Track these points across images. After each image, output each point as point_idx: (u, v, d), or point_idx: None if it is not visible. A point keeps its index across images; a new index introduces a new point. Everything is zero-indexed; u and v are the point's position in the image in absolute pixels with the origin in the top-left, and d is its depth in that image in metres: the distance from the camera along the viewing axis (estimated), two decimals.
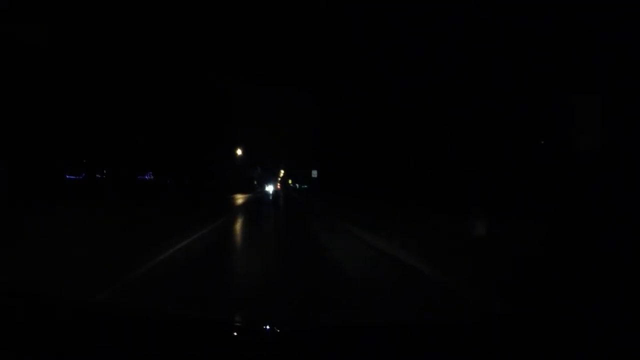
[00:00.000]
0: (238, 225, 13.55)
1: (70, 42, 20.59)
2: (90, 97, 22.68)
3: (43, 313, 1.97)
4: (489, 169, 14.07)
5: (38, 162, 22.32)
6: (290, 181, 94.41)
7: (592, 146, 7.04)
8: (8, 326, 1.74)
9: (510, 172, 12.98)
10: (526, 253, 6.49)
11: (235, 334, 1.88)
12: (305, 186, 75.71)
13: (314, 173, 44.94)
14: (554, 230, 8.26)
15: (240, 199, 34.26)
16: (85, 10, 20.41)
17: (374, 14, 19.14)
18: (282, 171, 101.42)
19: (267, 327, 1.89)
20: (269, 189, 76.45)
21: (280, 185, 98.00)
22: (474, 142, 14.96)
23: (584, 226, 8.39)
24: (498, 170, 13.60)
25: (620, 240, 6.41)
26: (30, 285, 4.51)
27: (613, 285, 4.53)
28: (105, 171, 34.22)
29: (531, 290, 4.58)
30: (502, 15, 11.95)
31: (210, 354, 1.58)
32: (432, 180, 18.33)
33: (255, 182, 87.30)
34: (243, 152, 57.83)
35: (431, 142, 18.04)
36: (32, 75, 18.89)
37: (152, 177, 44.34)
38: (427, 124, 17.83)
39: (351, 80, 26.58)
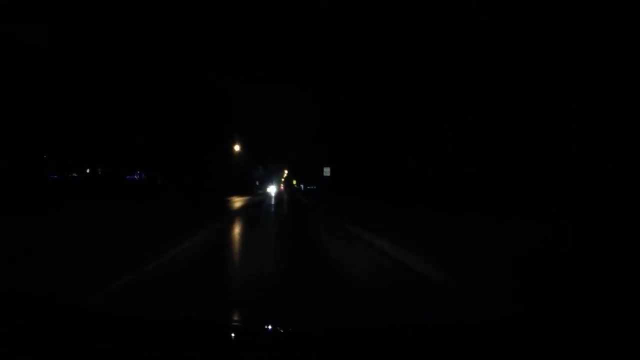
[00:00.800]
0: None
1: (69, 40, 20.48)
2: (84, 94, 22.15)
3: (43, 313, 1.97)
4: (490, 169, 14.07)
5: (25, 161, 22.00)
6: (294, 182, 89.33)
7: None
8: (8, 326, 1.74)
9: (510, 172, 12.98)
10: (526, 253, 6.48)
11: (235, 334, 1.88)
12: (311, 187, 69.84)
13: (327, 171, 33.29)
14: (554, 230, 8.26)
15: (238, 202, 28.66)
16: (83, 9, 20.34)
17: (374, 14, 19.16)
18: (286, 171, 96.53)
19: (269, 327, 1.89)
20: (271, 190, 70.41)
21: (283, 186, 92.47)
22: (474, 142, 14.96)
23: (584, 226, 8.39)
24: (498, 170, 13.61)
25: (620, 240, 6.41)
26: (31, 285, 4.51)
27: (613, 285, 4.53)
28: (88, 170, 32.45)
29: (531, 290, 4.58)
30: (502, 15, 11.96)
31: (210, 354, 1.58)
32: (433, 180, 18.33)
33: (257, 183, 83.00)
34: (244, 152, 55.03)
35: (431, 141, 18.04)
36: (22, 73, 18.57)
37: (143, 176, 41.22)
38: (427, 124, 17.85)
39: (351, 80, 26.59)
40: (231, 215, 17.41)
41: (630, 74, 8.96)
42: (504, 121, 13.14)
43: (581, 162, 10.36)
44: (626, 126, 9.24)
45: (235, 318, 2.45)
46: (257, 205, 26.04)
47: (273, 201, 32.67)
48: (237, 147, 50.08)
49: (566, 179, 10.81)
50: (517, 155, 12.81)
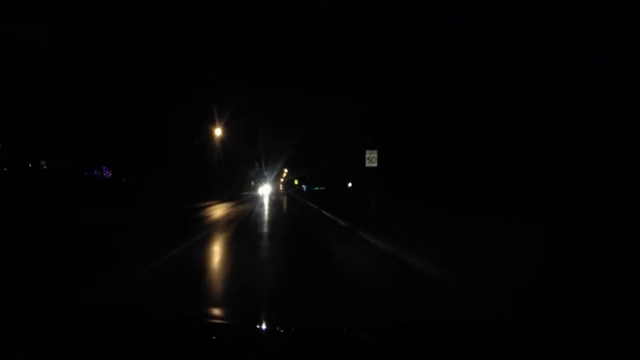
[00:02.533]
0: None
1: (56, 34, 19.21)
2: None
3: (42, 313, 1.97)
4: (490, 169, 14.07)
5: None
6: (296, 181, 79.34)
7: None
8: (7, 326, 1.74)
9: (510, 172, 12.98)
10: (526, 253, 6.48)
11: (235, 334, 1.88)
12: (318, 188, 61.02)
13: (372, 157, 14.65)
14: (554, 230, 8.26)
15: (218, 210, 20.18)
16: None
17: (374, 14, 19.15)
18: (286, 170, 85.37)
19: (267, 327, 1.89)
20: (264, 191, 56.57)
21: (282, 187, 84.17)
22: (474, 142, 14.96)
23: (583, 226, 8.38)
24: (499, 170, 13.60)
25: (620, 240, 6.41)
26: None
27: (613, 286, 4.52)
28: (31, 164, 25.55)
29: (531, 290, 4.57)
30: (502, 16, 11.96)
31: (210, 354, 1.57)
32: (431, 179, 18.30)
33: (253, 183, 73.85)
34: (236, 149, 44.56)
35: (428, 141, 18.04)
36: None
37: (108, 173, 33.78)
38: (427, 124, 17.84)
39: (351, 79, 26.57)
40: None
41: (630, 74, 8.95)
42: (503, 121, 13.15)
43: (581, 162, 10.36)
44: (626, 127, 9.24)
45: (236, 318, 2.45)
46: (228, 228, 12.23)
47: (266, 216, 17.61)
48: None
49: (566, 179, 10.81)
50: (517, 155, 12.82)
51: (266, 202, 31.84)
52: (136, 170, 31.57)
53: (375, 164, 14.07)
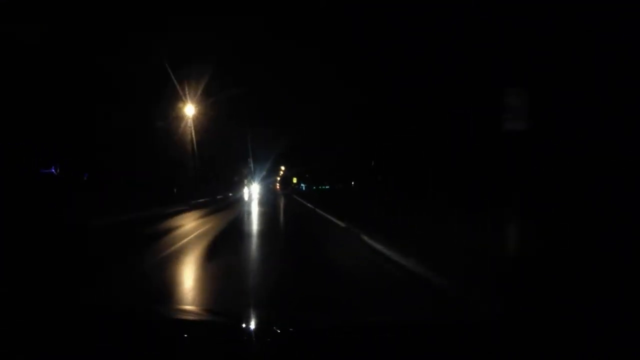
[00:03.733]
0: None
1: None
2: None
3: (42, 313, 1.97)
4: (489, 167, 14.05)
5: None
6: (294, 179, 73.65)
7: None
8: (7, 326, 1.74)
9: (510, 171, 12.96)
10: (526, 253, 6.48)
11: (234, 334, 1.88)
12: (322, 187, 56.26)
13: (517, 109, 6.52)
14: (554, 230, 8.26)
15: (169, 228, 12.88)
16: None
17: (374, 14, 19.16)
18: (283, 167, 79.14)
19: (266, 327, 1.89)
20: (251, 192, 48.38)
21: (280, 186, 79.28)
22: (474, 142, 14.96)
23: (584, 226, 8.39)
24: (498, 168, 13.58)
25: (620, 241, 6.41)
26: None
27: (613, 285, 4.53)
28: None
29: (531, 290, 4.58)
30: (502, 15, 11.96)
31: (209, 354, 1.58)
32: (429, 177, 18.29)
33: (246, 182, 64.12)
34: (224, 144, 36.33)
35: (429, 140, 18.03)
36: None
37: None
38: (427, 123, 17.85)
39: (352, 79, 26.62)
40: None
41: (630, 74, 8.96)
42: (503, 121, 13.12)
43: (581, 162, 10.37)
44: (626, 126, 9.24)
45: (235, 318, 2.45)
46: None
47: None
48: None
49: (567, 178, 10.81)
50: (517, 155, 12.79)
51: (255, 211, 21.80)
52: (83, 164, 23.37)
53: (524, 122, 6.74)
